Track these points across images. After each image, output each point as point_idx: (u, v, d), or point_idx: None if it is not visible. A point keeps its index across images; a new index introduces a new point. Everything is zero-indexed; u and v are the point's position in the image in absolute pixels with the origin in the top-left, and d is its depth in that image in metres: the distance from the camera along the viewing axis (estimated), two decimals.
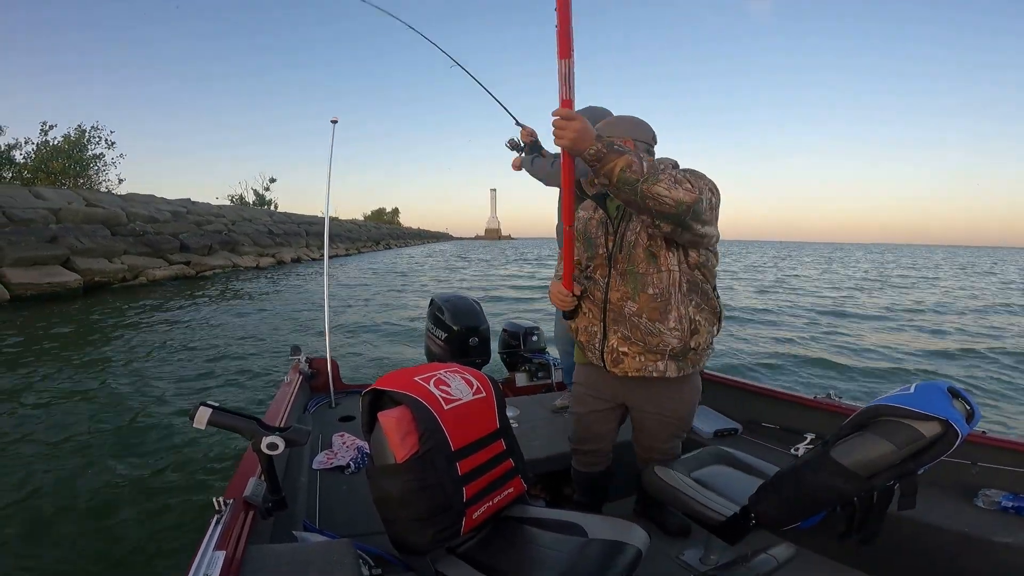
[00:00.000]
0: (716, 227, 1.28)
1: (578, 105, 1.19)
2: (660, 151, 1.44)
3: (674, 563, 1.62)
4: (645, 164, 1.13)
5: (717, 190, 1.26)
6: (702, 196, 1.18)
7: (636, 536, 1.15)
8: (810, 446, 1.98)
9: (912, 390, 1.09)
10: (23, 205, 11.40)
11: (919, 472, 1.06)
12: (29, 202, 11.76)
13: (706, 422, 2.21)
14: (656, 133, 1.45)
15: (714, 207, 1.24)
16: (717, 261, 1.41)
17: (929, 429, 1.01)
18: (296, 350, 2.49)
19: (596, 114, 1.57)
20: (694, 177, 1.20)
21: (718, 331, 1.46)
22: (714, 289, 1.42)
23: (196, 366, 4.90)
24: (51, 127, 18.41)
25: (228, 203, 23.62)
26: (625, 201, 1.20)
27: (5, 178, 16.61)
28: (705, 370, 2.69)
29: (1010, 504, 1.49)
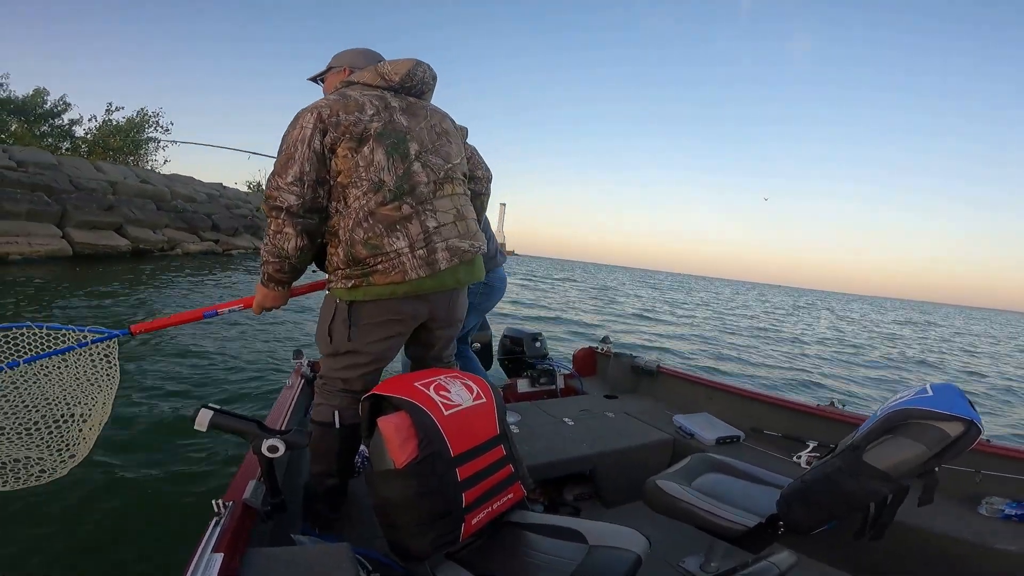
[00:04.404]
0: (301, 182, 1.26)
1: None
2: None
3: (675, 570, 1.61)
4: (271, 265, 1.33)
5: (283, 165, 1.25)
6: (277, 209, 1.26)
7: (636, 542, 1.14)
8: (813, 453, 1.98)
9: (930, 392, 1.13)
10: (87, 176, 13.13)
11: (936, 469, 1.11)
12: (92, 174, 13.51)
13: (708, 429, 2.20)
14: (372, 58, 1.50)
15: (289, 177, 1.25)
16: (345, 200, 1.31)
17: (953, 428, 1.06)
18: (299, 353, 2.50)
19: (368, 56, 1.58)
20: (267, 207, 1.28)
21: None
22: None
23: (200, 360, 4.90)
24: (117, 108, 20.21)
25: (247, 189, 24.97)
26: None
27: (60, 148, 18.00)
28: (708, 377, 2.71)
29: (1013, 512, 1.48)
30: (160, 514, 2.30)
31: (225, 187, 20.41)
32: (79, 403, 1.38)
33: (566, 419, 2.31)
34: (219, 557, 0.85)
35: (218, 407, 1.12)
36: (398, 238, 1.28)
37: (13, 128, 16.99)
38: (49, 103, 18.18)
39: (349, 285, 1.30)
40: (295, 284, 1.45)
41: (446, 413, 1.17)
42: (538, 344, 3.01)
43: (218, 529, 0.93)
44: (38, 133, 17.66)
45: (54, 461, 1.30)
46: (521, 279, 24.41)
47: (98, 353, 1.41)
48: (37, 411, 1.34)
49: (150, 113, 21.09)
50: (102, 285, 8.40)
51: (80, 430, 1.36)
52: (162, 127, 21.49)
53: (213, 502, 1.01)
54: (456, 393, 1.24)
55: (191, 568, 0.82)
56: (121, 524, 2.20)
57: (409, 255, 1.28)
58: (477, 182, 1.64)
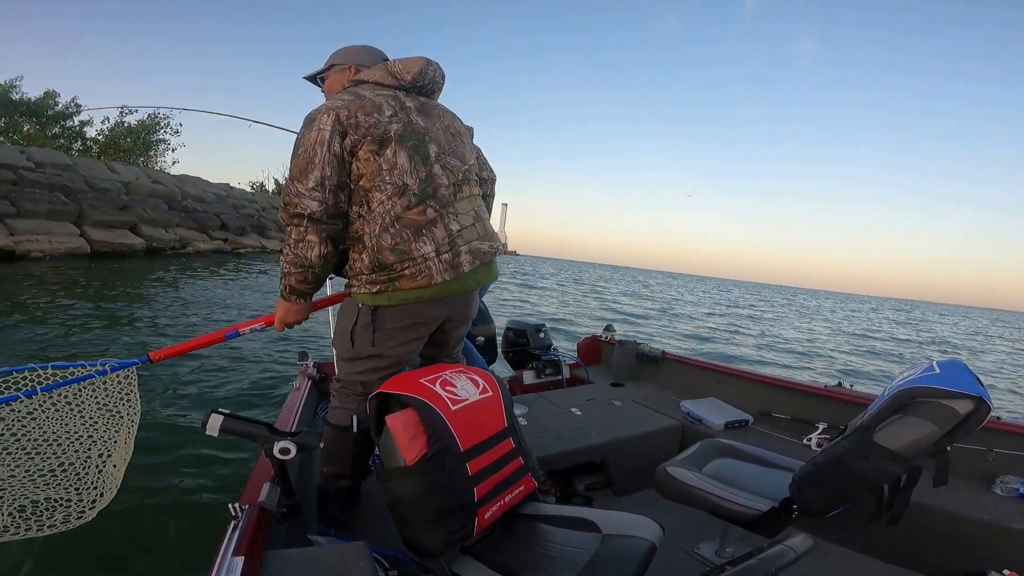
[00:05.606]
0: (322, 187, 1.21)
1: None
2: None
3: (689, 556, 1.62)
4: (293, 276, 1.28)
5: (302, 168, 1.21)
6: (298, 216, 1.22)
7: (650, 530, 1.14)
8: (823, 435, 1.97)
9: (938, 370, 1.12)
10: (102, 176, 13.55)
11: (948, 448, 1.10)
12: (106, 174, 13.91)
13: (716, 414, 2.20)
14: (378, 56, 1.47)
15: (306, 183, 1.21)
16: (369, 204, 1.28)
17: (963, 406, 1.04)
18: (304, 355, 2.51)
19: (372, 53, 1.54)
20: (287, 215, 1.24)
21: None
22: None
23: (205, 364, 4.93)
24: (131, 111, 20.29)
25: (250, 190, 25.45)
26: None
27: (72, 149, 18.49)
28: (716, 362, 2.70)
29: None
30: (173, 519, 2.32)
31: (232, 187, 20.88)
32: (100, 438, 1.31)
33: (573, 409, 2.31)
34: (240, 560, 0.85)
35: (228, 412, 1.13)
36: (425, 242, 1.27)
37: (26, 129, 17.41)
38: (60, 105, 18.55)
39: (374, 290, 1.28)
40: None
41: (453, 408, 1.17)
42: (542, 335, 3.01)
43: (237, 533, 0.94)
44: (50, 134, 18.02)
45: (81, 503, 1.22)
46: (522, 280, 24.38)
47: (117, 384, 1.34)
48: (59, 447, 1.26)
49: (161, 115, 21.35)
50: (128, 287, 8.61)
51: (103, 467, 1.29)
52: (172, 128, 21.92)
53: (229, 506, 1.01)
54: (462, 388, 1.24)
55: (214, 572, 0.83)
56: (135, 530, 2.21)
57: (435, 259, 1.27)
58: (483, 183, 1.62)
